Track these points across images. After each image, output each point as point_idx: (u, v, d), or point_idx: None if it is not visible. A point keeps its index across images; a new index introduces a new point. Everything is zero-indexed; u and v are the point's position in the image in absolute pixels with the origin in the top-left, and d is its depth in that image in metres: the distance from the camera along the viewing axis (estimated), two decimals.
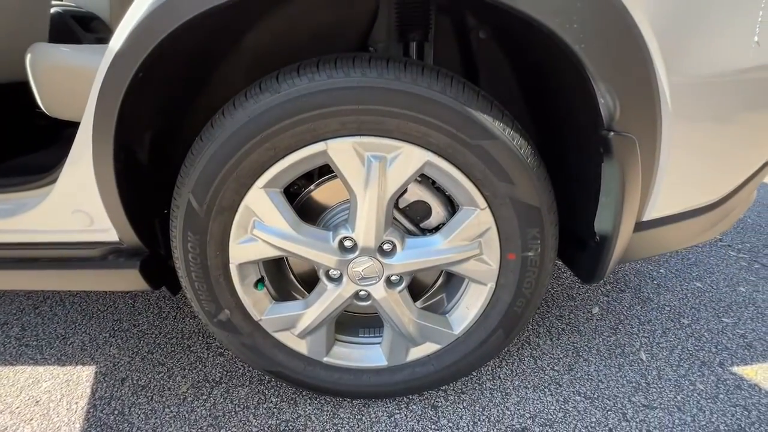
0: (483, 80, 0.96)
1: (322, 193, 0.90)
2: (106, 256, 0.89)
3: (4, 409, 1.02)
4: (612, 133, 0.68)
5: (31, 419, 0.99)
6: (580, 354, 1.16)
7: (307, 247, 0.82)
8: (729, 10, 0.63)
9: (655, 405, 1.00)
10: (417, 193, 0.86)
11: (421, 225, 0.89)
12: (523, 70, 0.93)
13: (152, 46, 0.65)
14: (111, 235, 0.87)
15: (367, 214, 0.78)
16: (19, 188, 0.88)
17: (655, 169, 0.74)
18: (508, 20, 0.83)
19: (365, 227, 0.79)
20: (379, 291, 0.87)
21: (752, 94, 0.71)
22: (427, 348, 0.94)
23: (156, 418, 0.98)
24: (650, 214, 0.82)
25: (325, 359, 0.95)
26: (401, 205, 0.88)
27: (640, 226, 0.83)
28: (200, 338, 1.24)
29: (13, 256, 0.92)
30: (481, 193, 0.77)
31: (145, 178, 0.89)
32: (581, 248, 0.91)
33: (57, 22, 1.52)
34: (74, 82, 0.83)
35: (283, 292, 0.98)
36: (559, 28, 0.59)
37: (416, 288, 1.01)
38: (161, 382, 1.09)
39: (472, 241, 0.82)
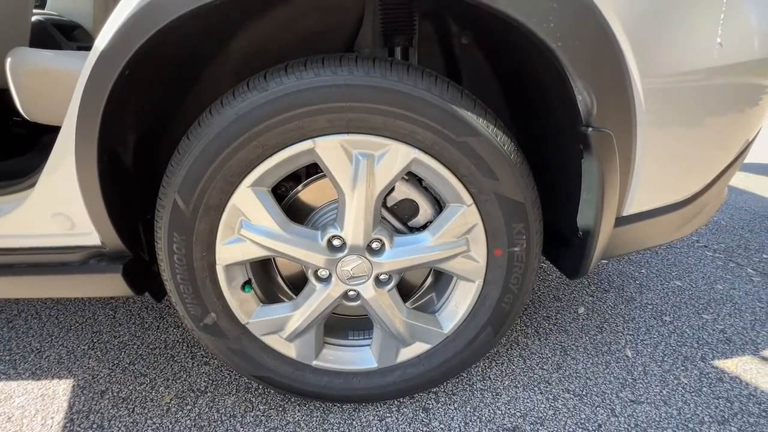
0: (466, 83, 0.99)
1: (310, 194, 0.90)
2: (87, 260, 0.87)
3: None
4: (590, 129, 0.71)
5: None
6: (568, 353, 1.17)
7: (295, 247, 0.81)
8: (694, 12, 0.68)
9: (641, 400, 1.02)
10: (404, 191, 0.87)
11: (409, 223, 0.90)
12: (504, 73, 0.96)
13: (138, 44, 0.66)
14: (93, 239, 0.85)
15: (355, 212, 0.79)
16: None
17: (632, 165, 0.77)
18: (489, 25, 0.86)
19: (354, 225, 0.80)
20: (368, 290, 0.87)
21: (718, 90, 0.75)
22: (418, 348, 0.94)
23: (137, 430, 0.95)
24: (629, 210, 0.85)
25: (315, 363, 0.94)
26: (389, 203, 0.88)
27: (620, 221, 0.86)
28: (184, 348, 1.20)
29: None
30: (467, 190, 0.78)
31: (129, 181, 0.87)
32: (565, 245, 0.93)
33: (38, 30, 1.50)
34: (56, 86, 0.82)
35: (270, 296, 0.96)
36: (537, 27, 0.62)
37: (405, 289, 1.01)
38: (143, 393, 1.05)
39: (459, 238, 0.83)
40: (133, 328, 1.29)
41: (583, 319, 1.32)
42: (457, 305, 0.91)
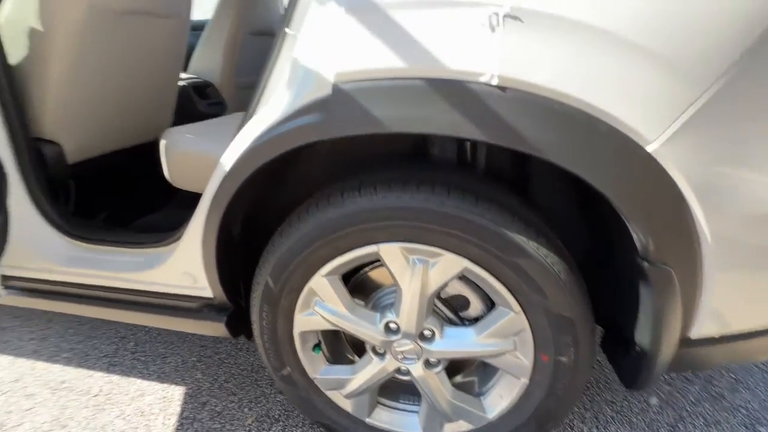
0: (534, 185, 1.02)
1: (375, 274, 1.03)
2: (202, 308, 1.12)
3: (120, 414, 1.29)
4: (646, 264, 0.71)
5: (137, 428, 1.24)
6: None
7: (357, 326, 0.95)
8: (761, 155, 0.64)
9: None
10: (457, 288, 0.94)
11: (461, 314, 0.97)
12: (571, 183, 0.97)
13: (254, 168, 0.85)
14: (207, 293, 1.09)
15: (410, 305, 0.89)
16: (151, 246, 1.14)
17: (698, 295, 0.74)
18: None
19: (408, 315, 0.90)
20: (417, 370, 0.96)
21: None
22: (461, 426, 1.01)
23: None
24: (698, 334, 0.81)
25: (367, 420, 1.07)
26: (443, 296, 0.97)
27: (687, 342, 0.82)
28: (266, 373, 1.43)
29: (135, 300, 1.19)
30: (516, 299, 0.83)
31: (234, 250, 1.10)
32: (625, 349, 0.91)
33: (181, 94, 1.89)
34: (196, 165, 1.08)
35: (336, 353, 1.12)
36: (591, 179, 0.66)
37: (455, 365, 1.08)
38: (233, 411, 1.29)
39: (506, 339, 0.88)
40: (229, 347, 1.56)
41: (654, 413, 1.23)
42: (502, 396, 0.96)
